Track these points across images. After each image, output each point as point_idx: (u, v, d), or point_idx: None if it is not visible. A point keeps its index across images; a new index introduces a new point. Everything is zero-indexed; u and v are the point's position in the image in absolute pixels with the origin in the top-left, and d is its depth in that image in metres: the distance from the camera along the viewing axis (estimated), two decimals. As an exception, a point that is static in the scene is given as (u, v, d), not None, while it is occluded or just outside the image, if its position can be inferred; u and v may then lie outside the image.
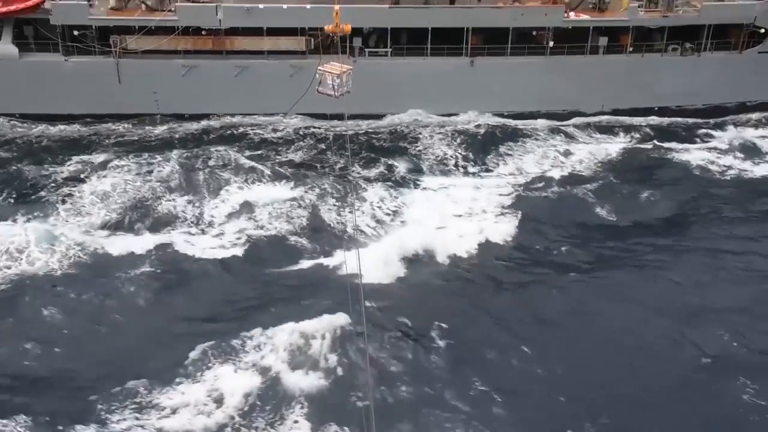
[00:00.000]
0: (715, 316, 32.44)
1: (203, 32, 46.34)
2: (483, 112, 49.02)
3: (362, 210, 39.12)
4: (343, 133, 44.65)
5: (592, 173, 43.69)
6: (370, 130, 47.65)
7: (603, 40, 48.65)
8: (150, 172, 41.85)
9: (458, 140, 46.59)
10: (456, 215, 39.16)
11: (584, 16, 48.59)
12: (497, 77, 48.35)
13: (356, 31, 46.88)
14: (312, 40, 46.45)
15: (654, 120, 50.16)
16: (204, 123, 47.37)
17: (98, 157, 43.34)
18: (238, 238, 36.82)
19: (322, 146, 45.47)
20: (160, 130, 46.73)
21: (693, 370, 29.71)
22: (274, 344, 29.57)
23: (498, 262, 35.78)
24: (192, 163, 42.81)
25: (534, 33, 48.85)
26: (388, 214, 39.21)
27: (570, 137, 47.73)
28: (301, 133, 46.96)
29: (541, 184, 42.25)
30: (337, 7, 25.80)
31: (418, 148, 45.79)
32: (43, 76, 46.23)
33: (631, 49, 49.24)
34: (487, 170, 44.21)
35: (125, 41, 45.69)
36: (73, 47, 45.98)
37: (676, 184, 43.20)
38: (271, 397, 27.69)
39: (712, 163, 45.39)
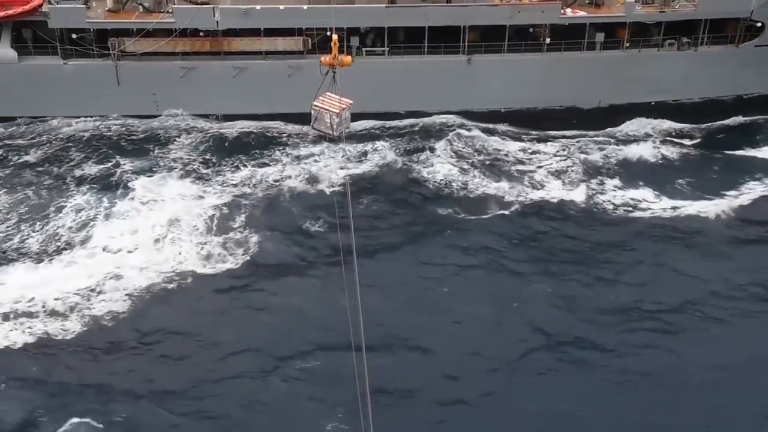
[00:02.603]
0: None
1: (201, 34, 46.49)
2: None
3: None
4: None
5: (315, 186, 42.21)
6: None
7: (600, 36, 48.72)
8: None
9: (205, 145, 45.56)
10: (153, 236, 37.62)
11: (581, 13, 48.58)
12: (494, 75, 48.48)
13: (354, 30, 47.16)
14: (309, 39, 46.64)
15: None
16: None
17: None
18: None
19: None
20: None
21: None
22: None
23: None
24: None
25: (531, 30, 48.95)
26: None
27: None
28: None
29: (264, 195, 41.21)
30: (335, 36, 23.00)
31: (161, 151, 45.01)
32: (42, 80, 46.51)
33: (627, 45, 49.34)
34: (215, 179, 42.63)
35: (123, 44, 45.89)
36: (72, 50, 46.24)
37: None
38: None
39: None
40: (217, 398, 29.30)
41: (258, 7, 45.88)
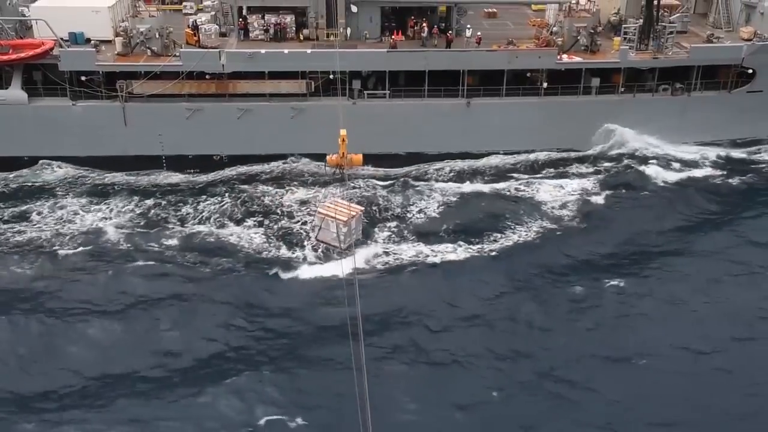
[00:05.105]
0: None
1: (207, 76, 47.64)
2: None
3: None
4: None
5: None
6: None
7: (595, 81, 49.94)
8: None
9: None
10: None
11: (577, 59, 49.81)
12: (493, 118, 49.60)
13: (355, 74, 48.36)
14: (313, 83, 47.82)
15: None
16: None
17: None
18: None
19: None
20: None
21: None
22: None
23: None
24: None
25: (528, 74, 50.21)
26: None
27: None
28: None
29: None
30: (343, 132, 20.22)
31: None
32: (52, 120, 47.53)
33: (622, 89, 50.52)
34: None
35: (131, 86, 47.00)
36: (81, 92, 47.33)
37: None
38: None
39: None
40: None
41: (263, 51, 47.16)
